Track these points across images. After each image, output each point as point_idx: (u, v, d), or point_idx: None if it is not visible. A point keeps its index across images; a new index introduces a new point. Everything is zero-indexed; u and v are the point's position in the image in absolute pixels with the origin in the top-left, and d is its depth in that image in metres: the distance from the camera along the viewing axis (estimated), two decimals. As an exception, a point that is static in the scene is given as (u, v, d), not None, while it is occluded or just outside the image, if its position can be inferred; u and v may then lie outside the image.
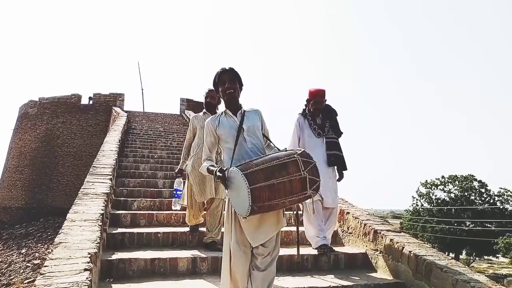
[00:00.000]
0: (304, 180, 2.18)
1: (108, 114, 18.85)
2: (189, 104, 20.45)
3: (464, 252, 30.15)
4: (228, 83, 2.48)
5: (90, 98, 21.10)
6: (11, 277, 12.18)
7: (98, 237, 2.88)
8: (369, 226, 3.98)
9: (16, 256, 14.29)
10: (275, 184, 2.11)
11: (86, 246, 2.65)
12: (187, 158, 4.15)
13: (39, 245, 15.09)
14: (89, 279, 2.19)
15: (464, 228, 28.47)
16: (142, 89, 23.57)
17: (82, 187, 4.23)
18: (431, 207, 30.73)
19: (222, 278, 2.45)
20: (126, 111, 17.09)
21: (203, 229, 4.08)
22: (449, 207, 29.71)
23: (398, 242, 3.54)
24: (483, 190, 30.29)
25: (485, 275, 3.15)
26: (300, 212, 4.31)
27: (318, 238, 3.76)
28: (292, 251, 3.64)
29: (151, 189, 5.96)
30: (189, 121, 4.46)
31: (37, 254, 13.77)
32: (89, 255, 2.50)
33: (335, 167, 4.03)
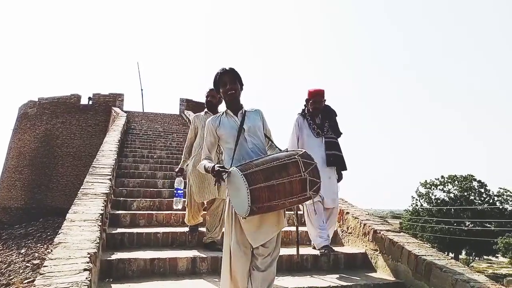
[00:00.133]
0: (305, 181, 2.17)
1: (108, 114, 18.85)
2: (189, 104, 20.45)
3: (463, 252, 30.18)
4: (229, 84, 2.47)
5: (89, 98, 21.09)
6: (11, 277, 12.17)
7: (98, 237, 2.87)
8: (369, 226, 3.98)
9: (16, 256, 14.28)
10: (274, 185, 2.10)
11: (86, 246, 2.65)
12: (188, 158, 4.13)
13: (38, 245, 15.08)
14: (89, 279, 2.18)
15: (463, 228, 28.50)
16: (142, 89, 23.59)
17: (82, 187, 4.22)
18: (430, 207, 30.75)
19: (222, 278, 2.44)
20: (125, 111, 17.08)
21: (203, 229, 4.08)
22: (448, 207, 29.74)
23: (397, 242, 3.54)
24: (482, 190, 30.32)
25: (485, 275, 3.15)
26: (300, 212, 4.32)
27: (320, 239, 3.75)
28: (291, 251, 3.64)
29: (151, 189, 5.96)
30: (188, 121, 4.45)
31: (36, 254, 13.76)
32: (89, 255, 2.49)
33: (335, 167, 4.02)
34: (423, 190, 31.74)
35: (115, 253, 3.43)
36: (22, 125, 21.65)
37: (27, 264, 12.81)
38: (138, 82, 23.85)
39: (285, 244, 4.05)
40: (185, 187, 4.21)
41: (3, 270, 13.05)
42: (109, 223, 4.23)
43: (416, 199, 31.95)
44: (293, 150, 2.35)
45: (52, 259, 2.39)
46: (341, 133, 4.11)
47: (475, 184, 30.45)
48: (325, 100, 4.04)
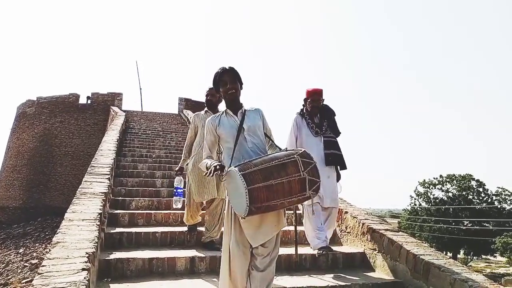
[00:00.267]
0: (304, 181, 2.16)
1: (106, 114, 18.82)
2: (188, 104, 20.43)
3: (461, 251, 30.24)
4: (229, 83, 2.47)
5: (88, 98, 21.06)
6: (9, 277, 12.15)
7: (96, 236, 2.87)
8: (368, 226, 3.98)
9: (14, 255, 14.26)
10: (273, 184, 2.09)
11: (84, 246, 2.65)
12: (188, 157, 4.12)
13: (37, 244, 15.06)
14: (87, 278, 2.18)
15: (462, 227, 28.54)
16: (141, 89, 23.59)
17: (80, 186, 4.21)
18: (429, 206, 30.79)
19: (221, 278, 2.44)
20: (124, 111, 17.05)
21: (202, 228, 4.08)
22: (447, 206, 29.78)
23: (396, 242, 3.54)
24: (481, 190, 30.36)
25: (483, 274, 3.16)
26: (299, 212, 4.32)
27: (318, 240, 3.73)
28: (290, 250, 3.63)
29: (149, 189, 5.95)
30: (187, 120, 4.44)
31: (35, 254, 13.74)
32: (87, 255, 2.49)
33: (335, 166, 4.01)
34: (421, 190, 31.77)
35: (114, 252, 3.43)
36: (20, 125, 21.61)
37: (25, 264, 12.79)
38: (136, 81, 23.90)
39: (283, 243, 4.04)
40: (185, 186, 4.20)
41: (1, 270, 13.03)
42: (108, 223, 4.23)
43: (415, 198, 31.98)
44: (292, 150, 2.35)
45: (50, 259, 2.39)
46: (340, 133, 4.11)
47: (473, 183, 30.48)
48: (323, 99, 4.03)
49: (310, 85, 4.61)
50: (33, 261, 12.67)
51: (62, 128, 20.36)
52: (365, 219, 4.18)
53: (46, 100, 21.10)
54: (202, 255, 3.50)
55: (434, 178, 31.50)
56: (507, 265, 28.99)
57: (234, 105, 2.53)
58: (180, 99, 20.58)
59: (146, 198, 5.36)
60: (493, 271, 27.92)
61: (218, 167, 2.22)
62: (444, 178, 31.18)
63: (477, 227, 28.03)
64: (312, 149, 3.59)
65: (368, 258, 3.87)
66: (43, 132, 20.56)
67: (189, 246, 3.97)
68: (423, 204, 31.54)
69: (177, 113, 19.71)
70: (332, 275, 3.45)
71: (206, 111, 4.14)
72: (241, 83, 2.54)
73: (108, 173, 4.99)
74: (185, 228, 4.15)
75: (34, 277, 2.25)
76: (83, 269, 2.27)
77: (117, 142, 7.95)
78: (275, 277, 2.51)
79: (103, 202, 3.79)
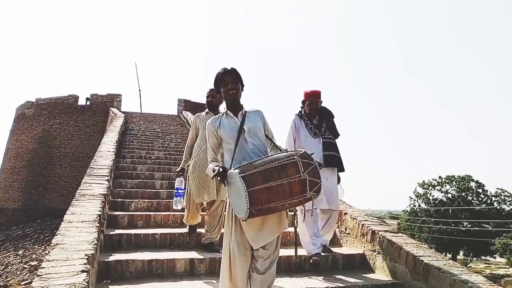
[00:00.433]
0: (304, 182, 2.15)
1: (106, 115, 18.83)
2: (187, 105, 20.45)
3: (461, 253, 30.25)
4: (230, 84, 2.46)
5: (87, 99, 21.07)
6: (8, 279, 12.13)
7: (96, 238, 2.87)
8: (367, 227, 3.98)
9: (13, 257, 14.24)
10: (273, 186, 2.09)
11: (83, 248, 2.64)
12: (189, 158, 4.11)
13: (36, 246, 15.04)
14: (86, 280, 2.18)
15: (461, 228, 28.56)
16: (140, 90, 23.61)
17: (79, 188, 4.21)
18: (428, 207, 30.81)
19: (221, 279, 2.43)
20: (123, 112, 17.05)
21: (201, 230, 4.07)
22: (446, 207, 29.79)
23: (396, 243, 3.54)
24: (480, 191, 30.39)
25: (482, 276, 3.16)
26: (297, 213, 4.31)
27: (312, 246, 3.65)
28: (290, 251, 3.63)
29: (149, 190, 5.94)
30: (186, 121, 4.44)
31: (34, 256, 13.72)
32: (86, 257, 2.48)
33: (335, 168, 3.99)
34: (421, 191, 31.79)
35: (113, 254, 3.42)
36: (19, 126, 21.60)
37: (24, 266, 12.77)
38: (136, 82, 23.93)
39: (283, 245, 4.02)
40: (185, 187, 4.20)
41: (0, 271, 13.01)
42: (107, 224, 4.22)
43: (414, 200, 32.00)
44: (293, 151, 2.34)
45: (49, 261, 2.38)
46: (339, 134, 4.08)
47: (472, 184, 30.51)
48: (321, 101, 4.00)
49: (308, 86, 4.60)
50: (32, 263, 12.66)
51: (61, 129, 20.37)
52: (365, 220, 4.18)
53: (45, 101, 21.11)
54: (202, 257, 3.50)
55: (433, 179, 31.55)
56: (507, 266, 29.00)
57: (235, 106, 2.52)
58: (179, 101, 20.60)
59: (146, 200, 5.35)
60: (493, 272, 27.91)
61: (220, 170, 2.21)
62: (444, 179, 31.22)
63: (477, 228, 28.05)
64: (311, 151, 3.56)
65: (368, 259, 3.87)
66: (42, 133, 20.56)
67: (189, 247, 3.97)
68: (423, 205, 31.56)
69: (176, 114, 19.73)
70: (331, 276, 3.45)
71: (207, 112, 4.13)
72: (242, 85, 2.54)
73: (107, 174, 4.98)
74: (184, 230, 4.14)
75: (33, 279, 2.25)
76: (83, 271, 2.27)
77: (116, 144, 7.94)
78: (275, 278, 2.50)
79: (103, 204, 3.79)
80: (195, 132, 4.12)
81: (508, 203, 30.13)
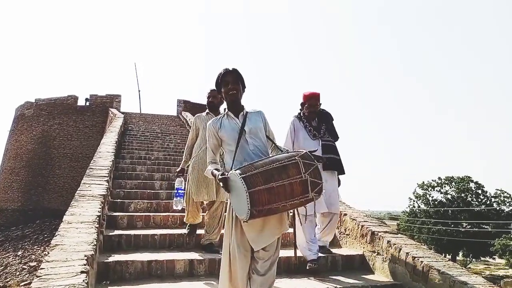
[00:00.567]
0: (305, 182, 2.15)
1: (105, 116, 18.82)
2: (186, 106, 20.45)
3: (460, 254, 30.25)
4: (231, 84, 2.45)
5: (86, 100, 21.07)
6: (7, 280, 12.11)
7: (95, 239, 2.86)
8: (367, 228, 3.98)
9: (12, 258, 14.22)
10: (274, 187, 2.08)
11: (83, 248, 2.64)
12: (189, 159, 4.11)
13: (35, 247, 15.02)
14: (86, 281, 2.17)
15: (460, 229, 28.56)
16: (139, 91, 23.58)
17: (79, 188, 4.21)
18: (428, 208, 30.81)
19: (221, 280, 2.42)
20: (123, 113, 17.05)
21: (201, 231, 4.07)
22: (445, 208, 29.80)
23: (395, 244, 3.54)
24: (479, 192, 30.40)
25: (482, 277, 3.16)
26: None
27: (309, 251, 3.59)
28: (289, 252, 3.63)
29: (148, 191, 5.94)
30: (186, 122, 4.44)
31: (33, 256, 13.70)
32: (86, 258, 2.48)
33: (335, 171, 3.96)
34: (420, 192, 31.80)
35: (112, 255, 3.42)
36: (19, 126, 21.59)
37: (23, 267, 12.76)
38: (135, 83, 23.85)
39: (282, 245, 4.01)
40: (185, 188, 4.19)
41: (-1, 272, 12.99)
42: (106, 225, 4.22)
43: (414, 201, 32.01)
44: (294, 151, 2.34)
45: (49, 262, 2.38)
46: (338, 137, 4.05)
47: (472, 185, 30.53)
48: (320, 103, 3.95)
49: (308, 87, 4.59)
50: (32, 264, 12.64)
51: (61, 130, 20.37)
52: (364, 221, 4.18)
53: (45, 102, 21.11)
54: (201, 258, 3.50)
55: (433, 180, 31.56)
56: (506, 267, 29.00)
57: (235, 107, 2.51)
58: (179, 101, 20.61)
59: (145, 200, 5.35)
60: (492, 273, 27.92)
61: (221, 177, 2.20)
62: (443, 180, 31.23)
63: (476, 229, 28.05)
64: (311, 152, 3.55)
65: (367, 260, 3.87)
66: (41, 134, 20.55)
67: (188, 248, 3.96)
68: (422, 206, 31.56)
69: (175, 115, 19.72)
70: (331, 277, 3.45)
71: (207, 113, 4.14)
72: (244, 86, 2.53)
73: (107, 175, 4.98)
74: (184, 231, 4.14)
75: (32, 279, 2.24)
76: (82, 272, 2.26)
77: (115, 144, 7.94)
78: (274, 279, 2.50)
79: (102, 205, 3.78)
80: (195, 132, 4.12)
81: (507, 204, 30.14)
